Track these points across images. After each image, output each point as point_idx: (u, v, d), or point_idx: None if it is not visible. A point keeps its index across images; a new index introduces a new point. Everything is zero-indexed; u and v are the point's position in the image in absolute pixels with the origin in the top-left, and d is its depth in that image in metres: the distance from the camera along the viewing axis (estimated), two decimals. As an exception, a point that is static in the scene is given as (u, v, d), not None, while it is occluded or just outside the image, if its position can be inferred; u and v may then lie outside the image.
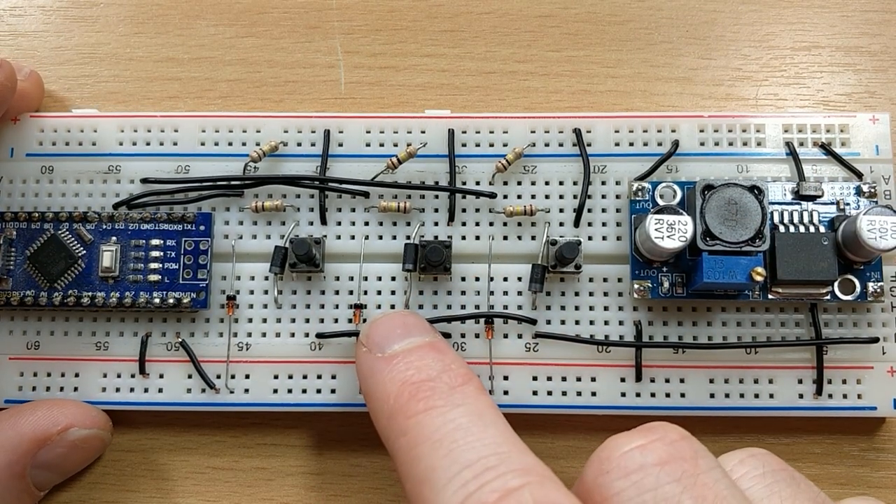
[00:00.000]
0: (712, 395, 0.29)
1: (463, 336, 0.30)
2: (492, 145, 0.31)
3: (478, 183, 0.30)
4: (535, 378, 0.29)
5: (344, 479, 0.30)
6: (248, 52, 0.34)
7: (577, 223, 0.30)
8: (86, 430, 0.29)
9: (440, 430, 0.21)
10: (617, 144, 0.30)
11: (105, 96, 0.33)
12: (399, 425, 0.22)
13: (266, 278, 0.30)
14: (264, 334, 0.30)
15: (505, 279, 0.30)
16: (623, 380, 0.29)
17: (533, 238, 0.30)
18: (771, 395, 0.29)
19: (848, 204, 0.29)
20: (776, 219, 0.29)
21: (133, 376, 0.30)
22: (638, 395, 0.29)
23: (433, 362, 0.23)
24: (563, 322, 0.30)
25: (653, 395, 0.29)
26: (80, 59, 0.34)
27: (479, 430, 0.21)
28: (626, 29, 0.34)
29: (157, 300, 0.29)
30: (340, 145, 0.31)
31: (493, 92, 0.33)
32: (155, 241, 0.30)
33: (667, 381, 0.29)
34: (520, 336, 0.29)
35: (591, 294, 0.30)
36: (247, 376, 0.30)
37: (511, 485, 0.19)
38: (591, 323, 0.29)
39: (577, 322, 0.30)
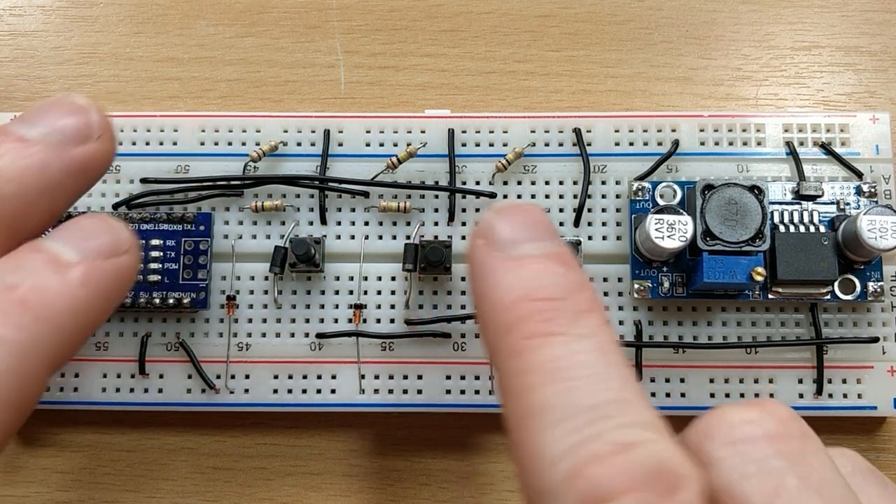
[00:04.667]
0: (712, 395, 0.30)
1: (463, 336, 0.30)
2: (492, 145, 0.31)
3: (478, 183, 0.31)
4: (535, 378, 0.30)
5: (344, 478, 0.31)
6: (248, 51, 0.35)
7: (577, 223, 0.31)
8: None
9: (559, 362, 0.19)
10: (617, 144, 0.31)
11: (105, 96, 0.34)
12: (513, 344, 0.20)
13: (266, 278, 0.31)
14: (264, 334, 0.31)
15: (505, 279, 0.31)
16: None
17: (533, 238, 0.31)
18: (771, 395, 0.30)
19: (848, 204, 0.30)
20: (776, 218, 0.29)
21: (133, 376, 0.30)
22: None
23: (561, 279, 0.21)
24: (563, 322, 0.30)
25: (653, 394, 0.30)
26: (80, 59, 0.35)
27: (602, 371, 0.19)
28: (626, 29, 0.34)
29: (156, 300, 0.30)
30: (340, 145, 0.32)
31: (493, 92, 0.34)
32: (155, 242, 0.30)
33: (667, 380, 0.30)
34: (520, 335, 0.30)
35: (591, 294, 0.31)
36: (247, 376, 0.30)
37: (628, 439, 0.18)
38: (592, 322, 0.30)
39: (577, 322, 0.30)
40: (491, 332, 0.21)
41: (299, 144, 0.32)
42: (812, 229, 0.29)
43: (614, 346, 0.20)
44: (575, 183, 0.31)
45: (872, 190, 0.30)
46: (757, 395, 0.30)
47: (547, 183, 0.31)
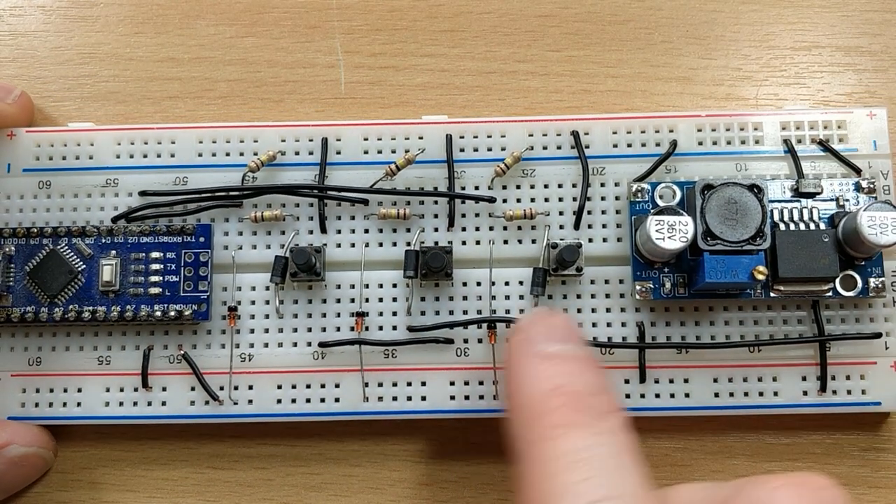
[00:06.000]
0: (716, 395, 0.31)
1: (465, 341, 0.32)
2: (490, 149, 0.33)
3: (477, 187, 0.32)
4: (539, 382, 0.32)
5: (344, 479, 0.33)
6: (248, 52, 0.36)
7: (577, 225, 0.32)
8: (25, 448, 0.31)
9: (582, 453, 0.22)
10: (615, 146, 0.33)
11: (105, 96, 0.36)
12: (541, 430, 0.23)
13: (267, 288, 0.32)
14: (266, 345, 0.32)
15: (506, 283, 0.32)
16: (627, 381, 0.31)
17: (533, 241, 0.32)
18: (775, 393, 0.31)
19: (847, 200, 0.31)
20: (776, 217, 0.31)
21: (136, 390, 0.32)
22: (642, 396, 0.31)
23: (591, 379, 0.24)
24: (565, 325, 0.32)
25: (657, 395, 0.31)
26: (80, 59, 0.36)
27: (620, 467, 0.22)
28: (627, 29, 0.36)
29: (158, 313, 0.31)
30: (338, 153, 0.33)
31: (493, 92, 0.35)
32: (155, 254, 0.32)
33: (671, 381, 0.31)
34: (523, 340, 0.32)
35: (592, 296, 0.32)
36: (250, 387, 0.32)
37: None
38: (594, 325, 0.32)
39: (579, 324, 0.32)
40: (520, 419, 0.24)
41: (297, 153, 0.33)
42: (812, 227, 0.31)
43: (632, 448, 0.23)
44: (574, 186, 0.32)
45: (871, 186, 0.31)
46: (761, 394, 0.31)
47: (546, 186, 0.32)
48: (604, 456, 0.22)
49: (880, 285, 0.31)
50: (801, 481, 0.22)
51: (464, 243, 0.32)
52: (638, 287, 0.31)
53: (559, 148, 0.33)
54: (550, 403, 0.23)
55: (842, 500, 0.21)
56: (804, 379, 0.31)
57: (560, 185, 0.33)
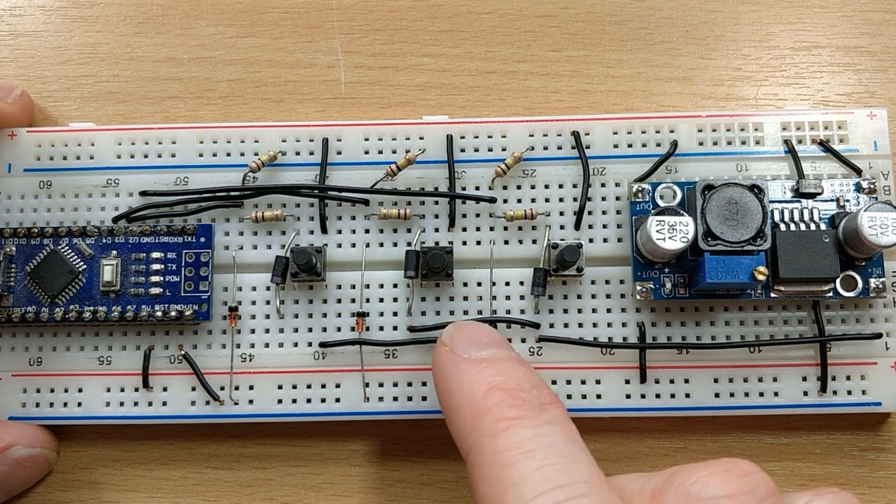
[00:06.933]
0: (717, 395, 0.31)
1: (466, 342, 0.32)
2: (490, 150, 0.33)
3: (477, 188, 0.33)
4: (539, 382, 0.32)
5: (344, 478, 0.33)
6: (248, 52, 0.36)
7: (577, 226, 0.32)
8: (29, 449, 0.32)
9: (533, 442, 0.23)
10: (616, 146, 0.33)
11: (105, 96, 0.36)
12: (486, 426, 0.23)
13: (268, 288, 0.33)
14: (267, 345, 0.32)
15: (507, 283, 0.32)
16: (628, 381, 0.32)
17: (534, 242, 0.32)
18: (775, 394, 0.31)
19: (848, 200, 0.32)
20: (777, 217, 0.31)
21: (136, 390, 0.32)
22: (643, 396, 0.32)
23: (523, 376, 0.25)
24: (566, 325, 0.32)
25: (658, 396, 0.32)
26: (80, 59, 0.37)
27: (573, 455, 0.23)
28: (626, 29, 0.36)
29: (158, 313, 0.32)
30: (339, 153, 0.33)
31: (492, 92, 0.36)
32: (155, 254, 0.32)
33: (671, 381, 0.32)
34: (523, 340, 0.32)
35: (593, 296, 0.32)
36: (251, 387, 0.32)
37: None
38: (595, 325, 0.32)
39: (580, 325, 0.32)
40: (461, 420, 0.24)
41: (298, 154, 0.33)
42: (812, 227, 0.31)
43: (578, 436, 0.24)
44: (575, 186, 0.33)
45: (872, 186, 0.32)
46: (761, 395, 0.31)
47: (546, 186, 0.33)
48: (555, 444, 0.23)
49: (881, 286, 0.31)
50: (727, 468, 0.22)
51: (464, 243, 0.33)
52: (638, 287, 0.32)
53: (559, 148, 0.33)
54: (489, 401, 0.24)
55: (764, 483, 0.22)
56: (804, 379, 0.32)
57: (560, 186, 0.33)
